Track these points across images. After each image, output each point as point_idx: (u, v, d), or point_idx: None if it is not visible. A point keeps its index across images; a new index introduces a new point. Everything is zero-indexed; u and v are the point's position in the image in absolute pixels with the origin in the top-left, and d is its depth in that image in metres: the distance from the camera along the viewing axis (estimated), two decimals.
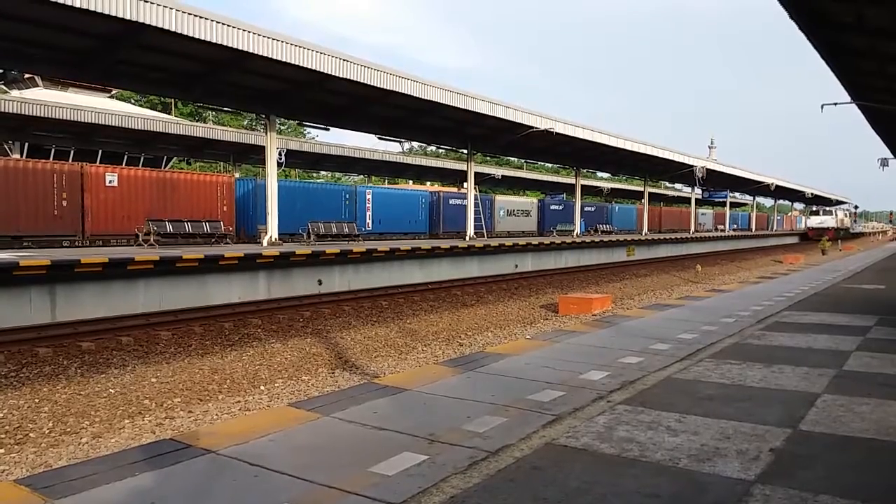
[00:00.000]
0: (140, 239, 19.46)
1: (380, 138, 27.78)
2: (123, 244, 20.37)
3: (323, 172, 55.28)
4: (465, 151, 28.40)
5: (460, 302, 17.93)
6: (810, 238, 62.55)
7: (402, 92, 19.22)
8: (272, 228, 20.36)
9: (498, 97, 23.58)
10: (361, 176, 49.92)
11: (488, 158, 44.25)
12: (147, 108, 42.68)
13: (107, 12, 12.45)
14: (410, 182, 52.97)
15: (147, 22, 13.12)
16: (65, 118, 24.80)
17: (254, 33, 15.09)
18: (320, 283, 18.10)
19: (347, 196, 30.08)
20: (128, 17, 12.78)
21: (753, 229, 70.30)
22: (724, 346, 7.45)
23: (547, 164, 56.57)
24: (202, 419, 7.65)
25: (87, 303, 13.31)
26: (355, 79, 17.64)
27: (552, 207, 44.97)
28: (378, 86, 18.39)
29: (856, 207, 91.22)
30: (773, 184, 55.80)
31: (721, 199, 63.36)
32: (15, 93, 31.83)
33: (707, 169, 41.22)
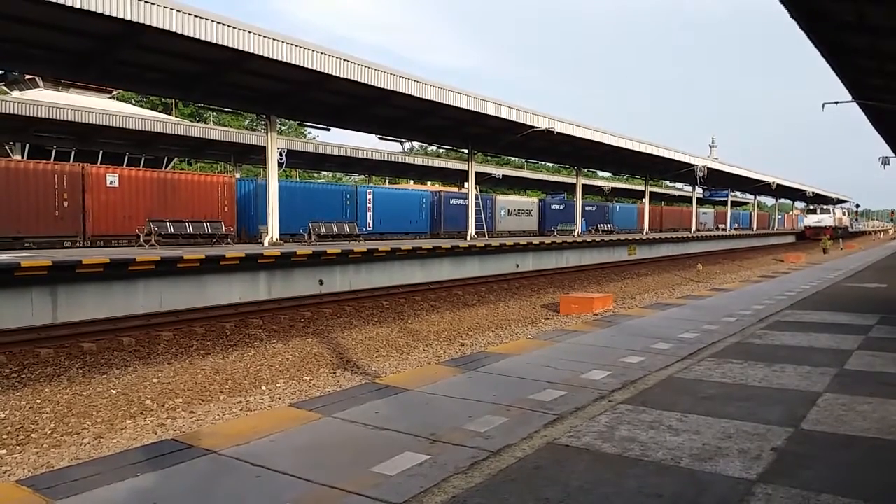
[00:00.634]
0: (141, 239, 19.47)
1: (380, 138, 27.80)
2: (124, 245, 20.38)
3: (324, 172, 55.30)
4: (466, 151, 28.39)
5: (461, 302, 17.93)
6: (807, 237, 62.00)
7: (403, 92, 19.21)
8: (273, 229, 20.37)
9: (498, 97, 23.57)
10: (362, 176, 49.92)
11: (489, 158, 44.25)
12: (148, 108, 42.70)
13: (107, 13, 12.45)
14: (411, 182, 52.97)
15: (147, 22, 13.12)
16: (66, 119, 24.79)
17: (254, 34, 15.09)
18: (321, 283, 18.10)
19: (348, 196, 30.10)
20: (128, 17, 12.77)
21: (755, 228, 70.24)
22: (725, 345, 7.44)
23: (548, 164, 56.64)
24: (204, 419, 7.66)
25: (89, 303, 13.32)
26: (356, 79, 17.64)
27: (553, 207, 44.97)
28: (379, 86, 18.38)
29: (857, 206, 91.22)
30: (774, 183, 55.74)
31: (722, 199, 63.34)
32: (16, 94, 31.89)
33: (708, 168, 41.21)
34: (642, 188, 48.87)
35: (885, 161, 29.53)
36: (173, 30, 13.60)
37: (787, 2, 9.24)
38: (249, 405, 8.27)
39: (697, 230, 53.20)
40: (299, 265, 17.73)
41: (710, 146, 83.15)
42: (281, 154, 20.75)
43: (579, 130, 27.96)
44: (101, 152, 30.06)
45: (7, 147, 28.73)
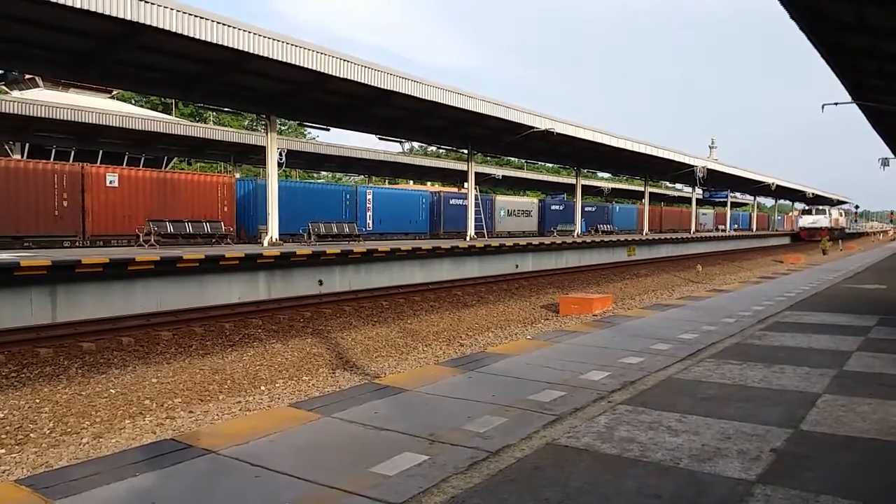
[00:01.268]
0: (141, 239, 19.47)
1: (380, 138, 27.79)
2: (124, 244, 20.38)
3: (323, 173, 55.30)
4: (466, 152, 28.39)
5: (461, 302, 17.92)
6: (802, 239, 61.11)
7: (403, 92, 19.22)
8: (273, 229, 20.36)
9: (498, 97, 23.58)
10: (362, 176, 49.92)
11: (489, 159, 44.28)
12: (147, 108, 42.70)
13: (107, 13, 12.44)
14: (411, 182, 52.98)
15: (147, 22, 13.12)
16: (65, 119, 24.80)
17: (254, 34, 15.09)
18: (321, 283, 18.10)
19: (348, 196, 30.11)
20: (128, 17, 12.77)
21: (754, 229, 70.24)
22: (724, 346, 7.44)
23: (547, 165, 56.57)
24: (203, 419, 7.65)
25: (88, 303, 13.31)
26: (356, 79, 17.64)
27: (553, 207, 44.99)
28: (378, 86, 18.38)
29: (856, 207, 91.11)
30: (773, 184, 55.76)
31: (722, 199, 63.32)
32: (16, 93, 31.86)
33: (708, 169, 41.22)
34: (642, 189, 48.89)
35: (885, 162, 29.56)
36: (173, 30, 13.59)
37: (787, 2, 9.24)
38: (248, 405, 8.26)
39: (697, 231, 53.22)
40: (299, 265, 17.72)
41: (710, 147, 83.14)
42: (281, 154, 20.75)
43: (579, 131, 27.96)
44: (100, 152, 30.05)
45: (7, 147, 28.72)
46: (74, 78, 23.31)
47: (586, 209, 44.70)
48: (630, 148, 32.24)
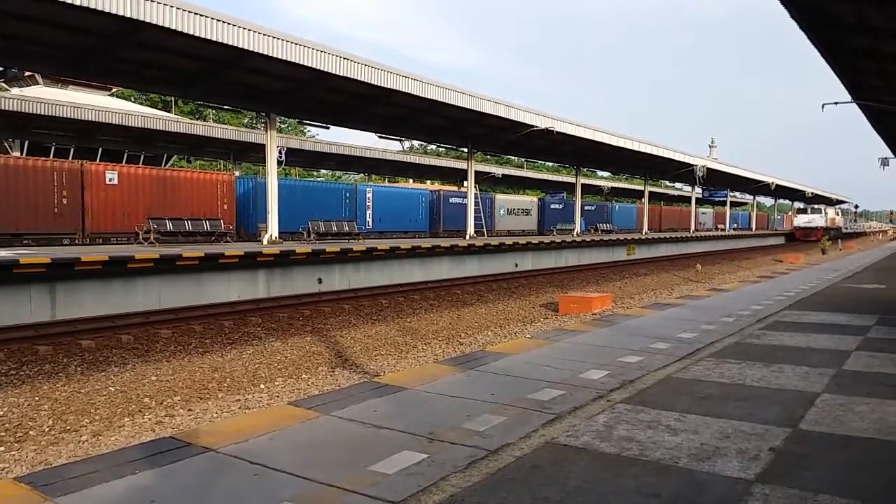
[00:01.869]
0: (140, 237, 19.46)
1: (380, 137, 27.80)
2: (123, 242, 20.36)
3: (323, 171, 55.24)
4: (466, 150, 28.38)
5: (460, 301, 17.93)
6: (797, 239, 60.43)
7: (403, 91, 19.19)
8: (272, 227, 20.35)
9: (498, 96, 23.56)
10: (362, 174, 49.89)
11: (488, 157, 44.19)
12: (147, 106, 42.65)
13: (106, 10, 12.41)
14: (411, 181, 52.96)
15: (147, 20, 13.09)
16: (65, 116, 24.76)
17: (254, 31, 15.06)
18: (320, 281, 18.09)
19: (348, 195, 30.09)
20: (128, 14, 12.74)
21: (754, 229, 70.21)
22: (723, 345, 7.45)
23: (547, 164, 56.62)
24: (202, 417, 7.65)
25: (87, 301, 13.31)
26: (356, 78, 17.61)
27: (552, 206, 44.96)
28: (379, 84, 18.36)
29: (856, 207, 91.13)
30: (773, 183, 55.75)
31: (721, 199, 63.23)
32: (15, 90, 31.81)
33: (707, 168, 41.19)
34: (642, 188, 48.86)
35: (885, 162, 29.54)
36: (173, 27, 13.56)
37: (787, 2, 9.23)
38: (248, 403, 8.26)
39: (696, 230, 53.21)
40: (298, 263, 17.72)
41: (710, 146, 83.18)
42: (280, 152, 20.73)
43: (579, 130, 27.94)
44: (100, 149, 30.01)
45: (6, 144, 28.68)
46: (74, 75, 23.21)
47: (586, 208, 44.68)
48: (630, 147, 32.22)
